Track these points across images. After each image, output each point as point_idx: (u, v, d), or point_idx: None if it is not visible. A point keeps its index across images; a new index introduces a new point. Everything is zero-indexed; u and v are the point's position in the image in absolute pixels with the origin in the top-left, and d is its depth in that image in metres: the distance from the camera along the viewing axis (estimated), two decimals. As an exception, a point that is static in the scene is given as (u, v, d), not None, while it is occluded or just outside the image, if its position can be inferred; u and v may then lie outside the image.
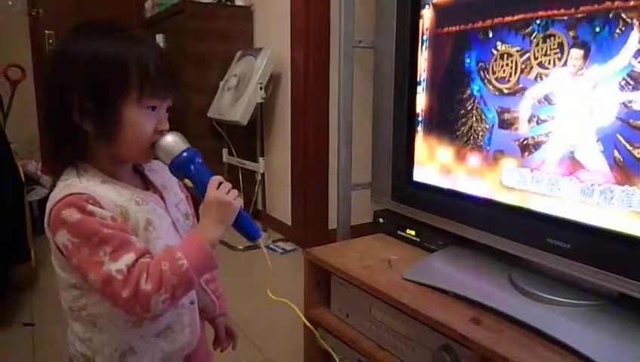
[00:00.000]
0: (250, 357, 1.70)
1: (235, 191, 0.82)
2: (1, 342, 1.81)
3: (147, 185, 0.88)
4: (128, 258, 0.71)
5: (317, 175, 2.71)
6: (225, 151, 3.07)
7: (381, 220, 1.59)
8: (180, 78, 0.86)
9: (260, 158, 2.77)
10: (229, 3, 3.15)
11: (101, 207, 0.73)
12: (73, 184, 0.75)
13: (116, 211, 0.75)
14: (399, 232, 1.52)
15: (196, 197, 0.84)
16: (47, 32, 4.14)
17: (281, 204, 2.93)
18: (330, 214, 2.74)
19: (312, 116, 2.67)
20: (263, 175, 2.79)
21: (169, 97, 0.81)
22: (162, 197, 0.86)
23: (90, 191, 0.74)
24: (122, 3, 4.30)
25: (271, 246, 2.74)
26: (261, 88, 2.64)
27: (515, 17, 1.11)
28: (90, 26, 0.80)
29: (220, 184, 0.81)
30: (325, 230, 2.74)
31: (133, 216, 0.77)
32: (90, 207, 0.72)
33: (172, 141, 0.80)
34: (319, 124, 2.67)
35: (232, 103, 2.77)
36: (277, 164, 2.97)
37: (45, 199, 2.87)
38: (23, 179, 2.14)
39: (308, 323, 1.08)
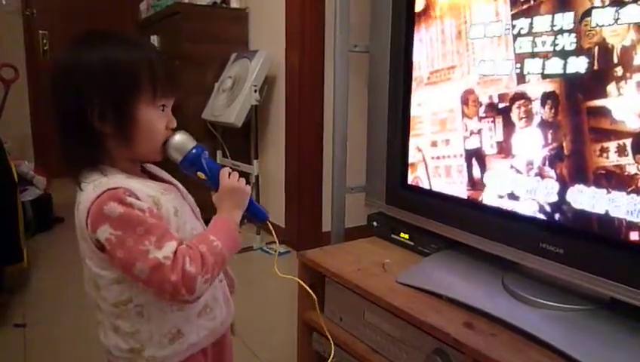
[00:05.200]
0: (246, 361, 1.70)
1: (243, 178, 0.89)
2: (-8, 343, 1.80)
3: (156, 181, 0.91)
4: (171, 245, 0.76)
5: (311, 177, 2.71)
6: (219, 153, 3.07)
7: (375, 223, 1.59)
8: (179, 78, 0.93)
9: (254, 160, 2.76)
10: (224, 5, 3.15)
11: (138, 199, 0.77)
12: (104, 182, 0.78)
13: (149, 201, 0.79)
14: (393, 236, 1.52)
15: (209, 188, 0.90)
16: (41, 31, 4.12)
17: (274, 206, 2.93)
18: (324, 217, 2.73)
19: (307, 119, 2.67)
20: (257, 177, 2.79)
21: (175, 96, 0.86)
22: (177, 189, 0.92)
23: (125, 185, 0.77)
24: (116, 4, 4.29)
25: (264, 248, 2.74)
26: (255, 90, 2.64)
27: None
28: (94, 35, 0.83)
29: (230, 174, 0.89)
30: (319, 233, 2.73)
31: (164, 204, 0.81)
32: (129, 199, 0.76)
33: (182, 139, 0.87)
34: (314, 126, 2.67)
35: (227, 105, 2.77)
36: (271, 167, 2.97)
37: (38, 199, 2.89)
38: (17, 179, 2.13)
39: (312, 294, 1.12)
